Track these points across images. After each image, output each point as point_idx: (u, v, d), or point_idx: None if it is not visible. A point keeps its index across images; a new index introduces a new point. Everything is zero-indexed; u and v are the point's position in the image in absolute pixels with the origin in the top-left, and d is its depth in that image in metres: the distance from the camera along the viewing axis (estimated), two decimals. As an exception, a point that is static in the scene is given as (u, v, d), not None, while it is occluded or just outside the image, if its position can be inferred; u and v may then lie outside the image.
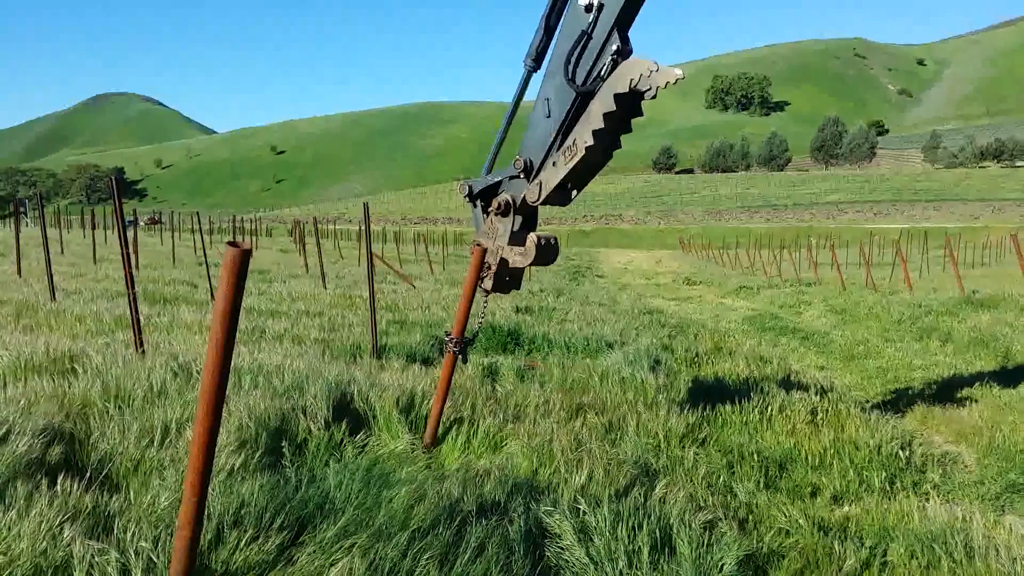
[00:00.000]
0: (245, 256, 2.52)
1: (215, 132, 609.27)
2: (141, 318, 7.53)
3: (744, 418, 6.59)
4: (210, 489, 3.43)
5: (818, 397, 7.10)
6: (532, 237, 4.95)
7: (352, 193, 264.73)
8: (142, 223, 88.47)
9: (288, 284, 18.38)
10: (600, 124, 4.43)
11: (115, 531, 3.32)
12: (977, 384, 8.69)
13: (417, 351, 9.04)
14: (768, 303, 20.83)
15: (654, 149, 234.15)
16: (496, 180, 5.13)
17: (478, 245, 5.15)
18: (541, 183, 4.82)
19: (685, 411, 6.53)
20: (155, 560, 3.12)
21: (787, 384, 8.22)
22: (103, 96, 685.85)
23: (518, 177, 4.98)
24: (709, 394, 7.38)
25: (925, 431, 7.15)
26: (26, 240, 25.59)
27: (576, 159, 4.58)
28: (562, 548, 3.80)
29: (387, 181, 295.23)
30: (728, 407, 6.75)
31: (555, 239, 5.10)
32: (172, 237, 33.38)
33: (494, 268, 5.12)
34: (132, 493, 3.85)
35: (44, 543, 3.12)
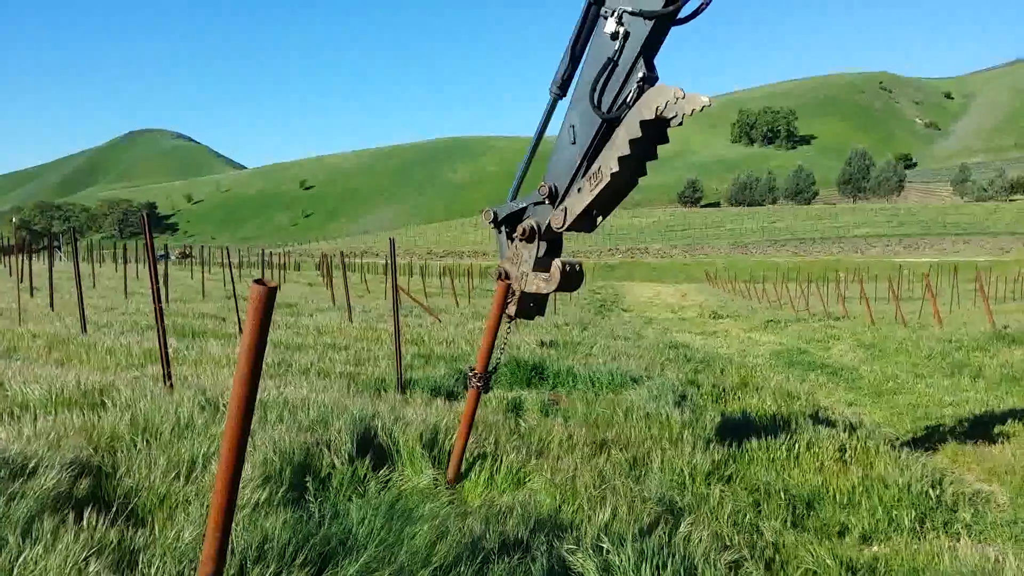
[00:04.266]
0: (271, 293, 2.56)
1: (245, 167, 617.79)
2: (170, 352, 7.62)
3: (771, 455, 6.52)
4: (234, 524, 3.45)
5: (846, 434, 7.00)
6: (557, 263, 4.93)
7: (380, 227, 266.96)
8: (173, 257, 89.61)
9: (315, 317, 18.51)
10: (626, 151, 4.43)
11: (140, 566, 3.34)
12: (1009, 421, 8.54)
13: (441, 385, 9.06)
14: (795, 338, 20.64)
15: (680, 183, 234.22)
16: (521, 206, 5.14)
17: (503, 273, 5.15)
18: (566, 209, 4.82)
19: (711, 448, 6.47)
20: (179, 595, 3.13)
21: (815, 420, 8.12)
22: (136, 132, 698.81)
23: (543, 203, 4.98)
24: (735, 430, 7.32)
25: (956, 469, 7.02)
26: (59, 274, 26.01)
27: (602, 185, 4.58)
28: (585, 587, 3.77)
29: (415, 215, 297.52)
30: (755, 444, 6.68)
31: (580, 265, 5.07)
32: (202, 271, 33.79)
33: (518, 294, 5.12)
34: (157, 528, 3.87)
35: (70, 577, 3.15)
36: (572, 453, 6.05)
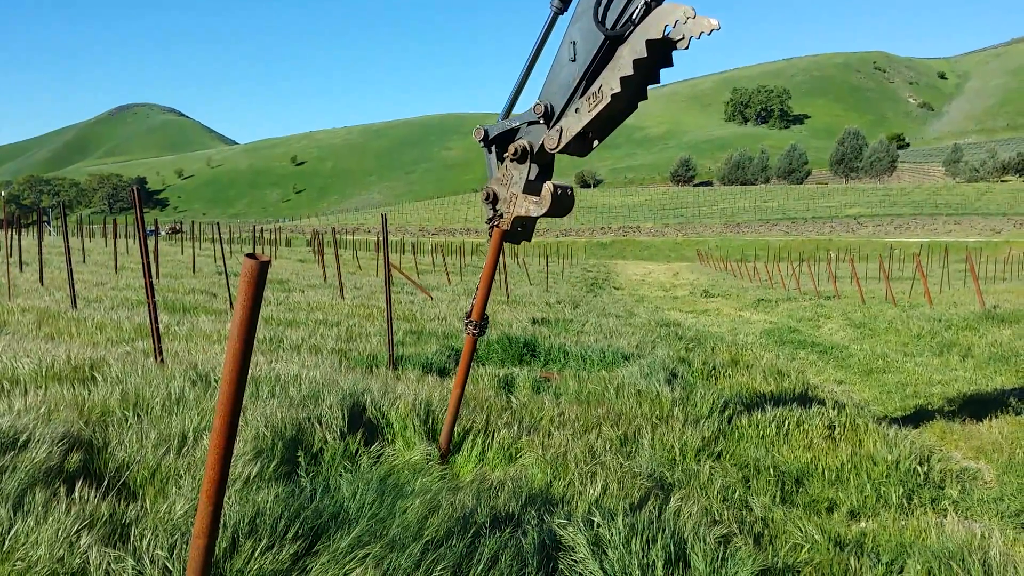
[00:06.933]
0: (263, 268, 2.54)
1: (236, 143, 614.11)
2: (160, 327, 7.60)
3: (761, 432, 6.56)
4: (226, 498, 3.46)
5: (836, 411, 7.05)
6: (548, 186, 4.78)
7: (372, 204, 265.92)
8: (163, 232, 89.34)
9: (306, 294, 18.48)
10: (629, 71, 4.29)
11: (131, 539, 3.35)
12: (997, 400, 8.61)
13: (433, 362, 9.07)
14: (786, 316, 20.72)
15: (672, 161, 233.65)
16: (514, 125, 4.97)
17: (491, 194, 5.02)
18: (561, 129, 4.67)
19: (701, 424, 6.50)
20: (170, 568, 3.14)
21: (805, 398, 8.17)
22: (126, 107, 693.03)
23: (537, 123, 4.82)
24: (725, 408, 7.35)
25: (944, 447, 7.09)
26: (49, 249, 25.88)
27: (601, 106, 4.45)
28: (575, 561, 3.79)
29: (407, 192, 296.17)
30: (745, 421, 6.72)
31: (571, 189, 4.91)
32: (192, 247, 33.66)
33: (508, 217, 4.98)
34: (149, 501, 3.88)
35: (61, 550, 3.15)
36: (563, 429, 6.07)
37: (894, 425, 7.15)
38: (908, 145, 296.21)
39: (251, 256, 2.52)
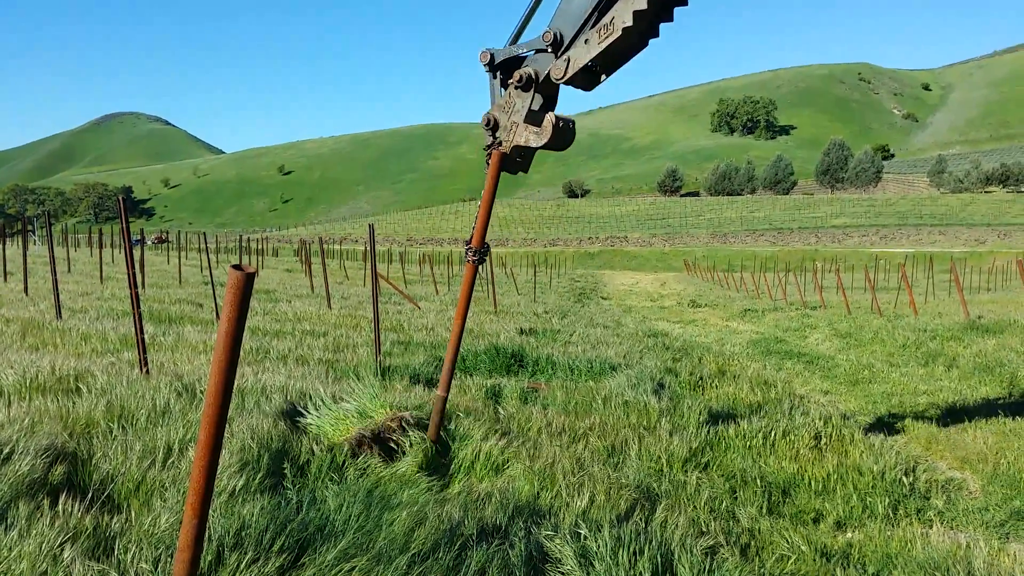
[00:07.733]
0: (249, 279, 2.54)
1: (223, 152, 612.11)
2: (146, 338, 7.56)
3: (747, 443, 6.58)
4: (211, 511, 3.44)
5: (822, 422, 7.08)
6: (550, 116, 4.74)
7: (359, 213, 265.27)
8: (149, 242, 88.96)
9: (293, 304, 18.40)
10: (643, 5, 4.26)
11: (115, 552, 3.32)
12: (982, 410, 8.66)
13: (420, 372, 9.05)
14: (773, 327, 20.79)
15: (659, 172, 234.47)
16: (521, 52, 4.91)
17: (491, 121, 4.96)
18: (569, 60, 4.61)
19: (688, 435, 6.51)
20: (155, 582, 3.12)
21: (791, 409, 8.19)
22: (112, 115, 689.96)
23: (545, 51, 4.76)
24: (712, 418, 7.37)
25: (929, 457, 7.12)
26: (33, 259, 25.71)
27: (611, 39, 4.40)
28: (563, 573, 3.79)
29: (394, 202, 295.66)
30: (731, 431, 6.74)
31: (573, 123, 4.87)
32: (178, 256, 33.51)
33: (507, 144, 4.92)
34: (133, 514, 3.85)
35: (44, 564, 3.13)
36: (551, 440, 6.07)
37: (880, 436, 7.18)
38: (893, 156, 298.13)
39: (237, 267, 2.51)
